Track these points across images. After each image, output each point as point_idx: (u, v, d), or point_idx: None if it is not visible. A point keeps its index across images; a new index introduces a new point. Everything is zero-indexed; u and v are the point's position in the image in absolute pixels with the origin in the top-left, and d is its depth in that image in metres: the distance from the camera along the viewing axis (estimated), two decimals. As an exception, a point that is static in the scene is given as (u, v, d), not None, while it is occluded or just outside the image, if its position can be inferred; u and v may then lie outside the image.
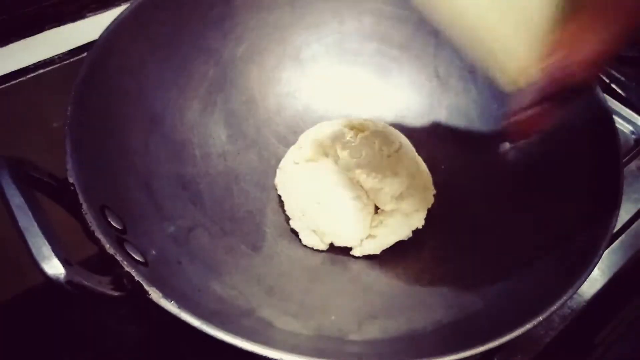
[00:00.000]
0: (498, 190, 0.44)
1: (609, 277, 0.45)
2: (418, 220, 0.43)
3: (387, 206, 0.42)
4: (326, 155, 0.44)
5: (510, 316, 0.33)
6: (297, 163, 0.44)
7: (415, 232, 0.43)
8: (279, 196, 0.44)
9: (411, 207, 0.43)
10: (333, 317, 0.37)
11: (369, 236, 0.42)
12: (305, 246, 0.42)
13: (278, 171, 0.46)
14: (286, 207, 0.43)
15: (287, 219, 0.43)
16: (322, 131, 0.45)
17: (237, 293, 0.36)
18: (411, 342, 0.34)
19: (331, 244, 0.42)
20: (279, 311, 0.36)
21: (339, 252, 0.42)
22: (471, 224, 0.43)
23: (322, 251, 0.42)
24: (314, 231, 0.42)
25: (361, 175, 0.42)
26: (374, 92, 0.51)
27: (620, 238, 0.47)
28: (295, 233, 0.43)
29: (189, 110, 0.44)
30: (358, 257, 0.42)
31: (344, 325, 0.36)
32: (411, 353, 0.33)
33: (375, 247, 0.42)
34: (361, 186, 0.43)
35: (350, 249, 0.42)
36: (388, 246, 0.42)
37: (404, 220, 0.43)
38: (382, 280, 0.41)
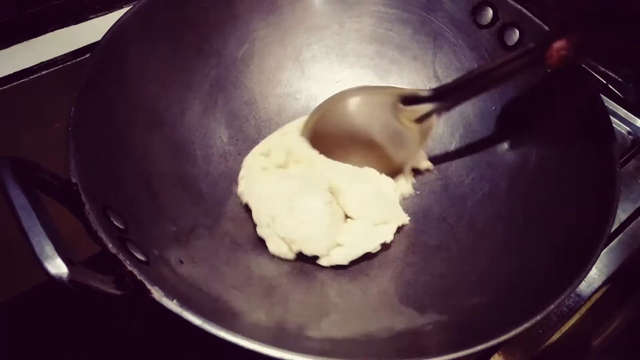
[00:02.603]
0: (496, 190, 0.44)
1: (606, 276, 0.45)
2: (387, 234, 0.43)
3: (354, 212, 0.42)
4: (296, 162, 0.44)
5: (508, 315, 0.33)
6: (266, 169, 0.44)
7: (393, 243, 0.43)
8: (245, 205, 0.43)
9: (379, 218, 0.43)
10: (333, 317, 0.37)
11: (337, 245, 0.41)
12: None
13: (241, 180, 0.44)
14: (254, 214, 0.42)
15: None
16: (291, 139, 0.45)
17: (238, 292, 0.36)
18: (410, 341, 0.34)
19: (299, 254, 0.41)
20: (280, 310, 0.37)
21: (309, 260, 0.41)
22: (469, 224, 0.44)
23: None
24: (282, 238, 0.41)
25: (334, 181, 0.43)
26: (373, 93, 0.51)
27: (618, 237, 0.47)
28: (262, 241, 0.42)
29: (190, 111, 0.45)
30: (362, 262, 0.42)
31: (345, 326, 0.36)
32: (411, 352, 0.33)
33: (343, 257, 0.41)
34: (332, 193, 0.43)
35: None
36: (356, 257, 0.42)
37: (372, 231, 0.42)
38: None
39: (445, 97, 0.43)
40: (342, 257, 0.41)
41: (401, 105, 0.44)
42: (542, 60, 0.37)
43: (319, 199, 0.42)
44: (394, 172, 0.46)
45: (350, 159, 0.45)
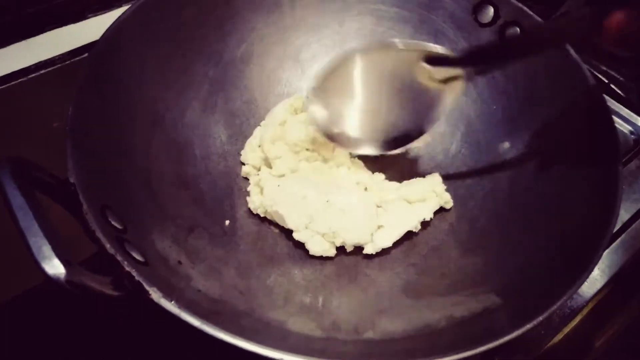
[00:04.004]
0: (496, 190, 0.44)
1: (609, 277, 0.45)
2: (425, 212, 0.43)
3: (389, 194, 0.42)
4: (307, 160, 0.44)
5: (509, 316, 0.33)
6: (282, 175, 0.43)
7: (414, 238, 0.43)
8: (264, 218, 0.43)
9: (415, 196, 0.43)
10: (334, 317, 0.37)
11: (379, 227, 0.42)
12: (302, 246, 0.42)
13: (255, 193, 0.44)
14: (288, 221, 0.41)
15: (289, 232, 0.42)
16: (294, 132, 0.44)
17: (237, 293, 0.36)
18: (408, 342, 0.34)
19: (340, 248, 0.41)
20: (279, 311, 0.36)
21: (350, 254, 0.42)
22: (471, 225, 0.43)
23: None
24: (323, 235, 0.41)
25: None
26: (373, 93, 0.51)
27: (620, 238, 0.47)
28: (300, 244, 0.42)
29: (190, 111, 0.45)
30: (361, 261, 0.42)
31: (344, 325, 0.36)
32: (408, 353, 0.33)
33: (386, 239, 0.41)
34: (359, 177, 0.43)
35: (362, 249, 0.41)
36: (398, 237, 0.42)
37: (409, 209, 0.43)
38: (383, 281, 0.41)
39: (477, 61, 0.38)
40: (385, 239, 0.41)
41: (425, 65, 0.39)
42: (591, 33, 0.32)
43: (349, 186, 0.42)
44: (416, 136, 0.42)
45: (368, 129, 0.42)
